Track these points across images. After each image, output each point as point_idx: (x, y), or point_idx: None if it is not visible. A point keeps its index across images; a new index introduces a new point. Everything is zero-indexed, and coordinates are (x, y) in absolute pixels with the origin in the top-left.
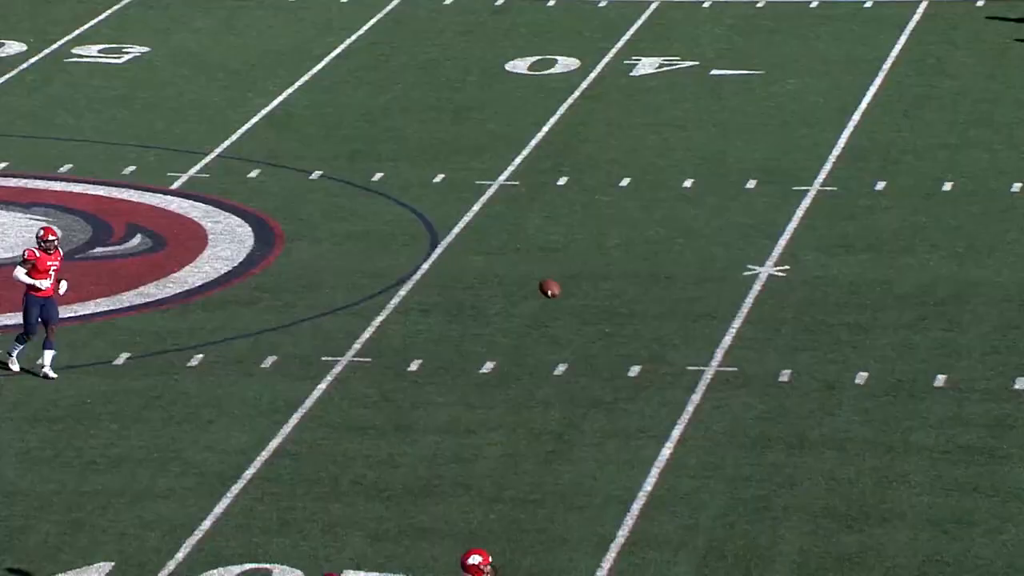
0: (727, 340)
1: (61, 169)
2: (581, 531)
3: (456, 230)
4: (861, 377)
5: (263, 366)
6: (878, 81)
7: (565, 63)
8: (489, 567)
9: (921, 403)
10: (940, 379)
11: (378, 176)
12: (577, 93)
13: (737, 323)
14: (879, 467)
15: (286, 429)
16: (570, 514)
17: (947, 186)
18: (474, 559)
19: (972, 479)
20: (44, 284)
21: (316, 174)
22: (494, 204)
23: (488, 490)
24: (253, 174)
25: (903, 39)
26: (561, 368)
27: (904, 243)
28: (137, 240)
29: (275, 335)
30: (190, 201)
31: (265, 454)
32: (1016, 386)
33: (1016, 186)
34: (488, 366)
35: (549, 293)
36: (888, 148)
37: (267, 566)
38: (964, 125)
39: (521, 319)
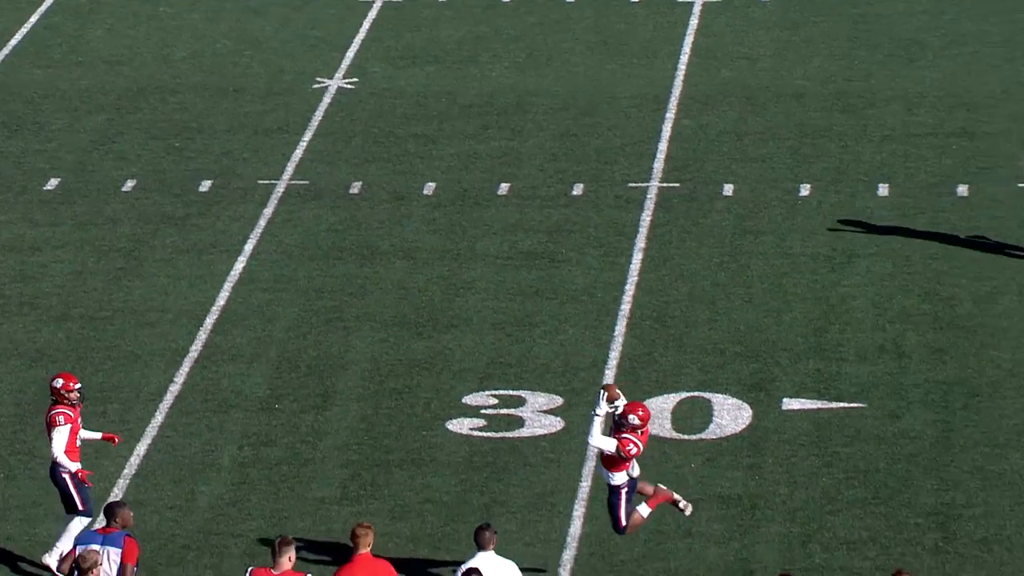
0: (298, 153)
1: None
2: (153, 346)
3: (13, 41)
4: (429, 187)
5: None
6: None
7: None
8: (75, 391)
9: (486, 211)
10: (503, 187)
11: None
12: None
13: (308, 136)
14: (447, 275)
15: None
16: (141, 330)
17: None
18: (57, 382)
19: (533, 283)
20: None
21: None
22: (53, 15)
23: (56, 308)
24: None
25: None
26: (129, 184)
27: (467, 54)
28: None
29: None
30: None
31: None
32: (574, 192)
33: None
34: (52, 183)
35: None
36: None
37: None
38: None
39: (86, 134)
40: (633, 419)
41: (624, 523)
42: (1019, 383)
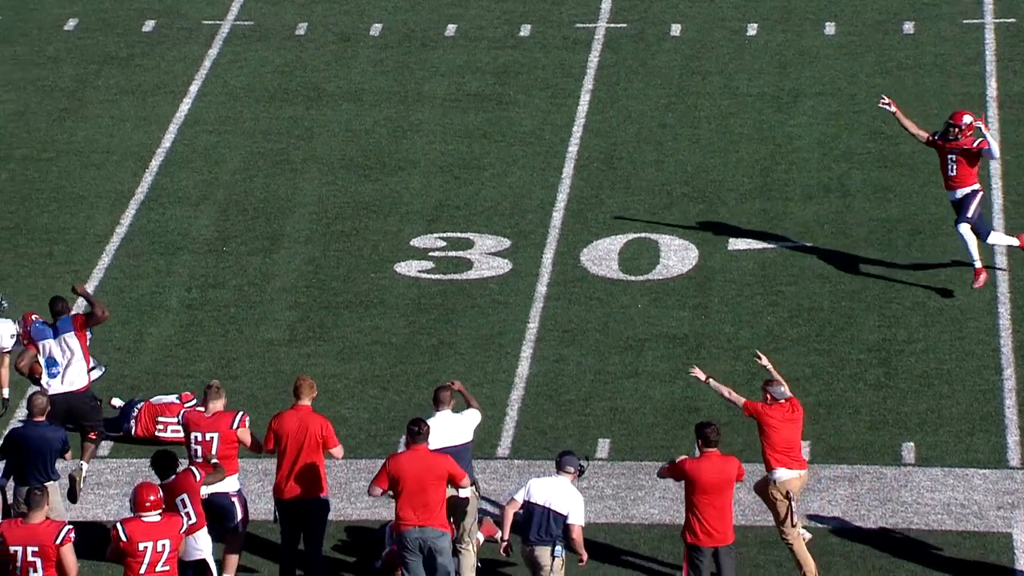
0: None
1: None
2: (99, 188)
3: None
4: (375, 28)
5: None
6: None
7: None
8: None
9: (432, 53)
10: (451, 28)
11: None
12: None
13: None
14: (394, 117)
15: None
16: (86, 171)
17: None
18: None
19: (481, 126)
20: None
21: None
22: None
23: None
24: None
25: None
26: (72, 23)
27: None
28: None
29: None
30: None
31: None
32: (521, 33)
33: None
34: None
35: None
36: None
37: None
38: None
39: None
40: None
41: None
42: None
